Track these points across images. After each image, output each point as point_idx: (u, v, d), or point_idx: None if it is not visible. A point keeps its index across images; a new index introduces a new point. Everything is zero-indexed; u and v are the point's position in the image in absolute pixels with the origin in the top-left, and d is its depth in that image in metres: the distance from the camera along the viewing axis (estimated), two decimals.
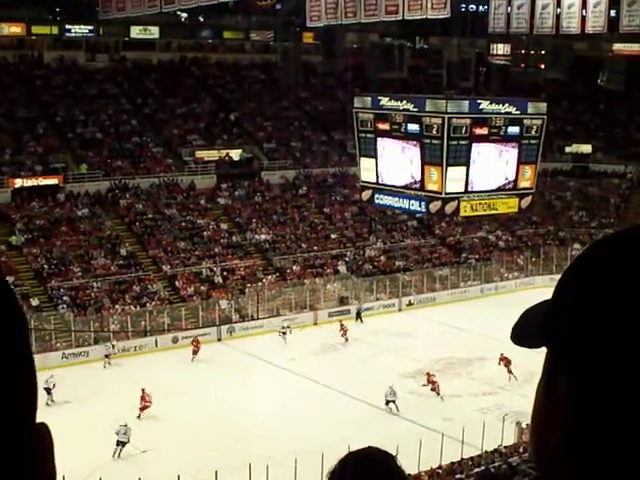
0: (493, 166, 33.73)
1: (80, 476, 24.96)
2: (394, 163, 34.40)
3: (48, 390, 33.41)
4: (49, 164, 52.41)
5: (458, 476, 26.13)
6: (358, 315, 48.47)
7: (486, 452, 29.07)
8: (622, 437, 0.98)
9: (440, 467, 27.52)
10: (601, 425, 0.99)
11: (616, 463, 0.98)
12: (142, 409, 33.70)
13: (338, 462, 2.73)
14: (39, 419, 1.04)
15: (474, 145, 32.70)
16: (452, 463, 28.12)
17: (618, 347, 0.97)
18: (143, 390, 33.92)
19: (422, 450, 25.54)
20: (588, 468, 1.00)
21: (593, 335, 0.99)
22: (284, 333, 43.35)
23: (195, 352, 40.79)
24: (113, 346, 41.07)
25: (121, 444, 29.97)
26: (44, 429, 1.04)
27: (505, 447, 29.40)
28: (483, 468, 26.38)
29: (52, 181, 50.85)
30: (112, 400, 34.09)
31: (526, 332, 1.10)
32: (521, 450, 28.97)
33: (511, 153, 34.09)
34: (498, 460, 27.71)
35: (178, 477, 24.33)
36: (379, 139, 34.65)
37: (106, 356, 40.09)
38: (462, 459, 28.55)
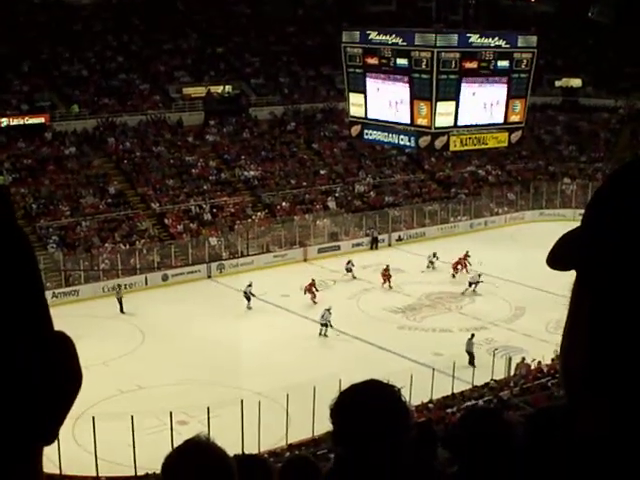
0: (482, 100, 33.56)
1: (73, 415, 25.04)
2: (383, 98, 34.18)
3: (247, 297, 38.90)
4: (35, 103, 51.98)
5: (449, 410, 26.32)
6: (373, 243, 49.91)
7: (476, 386, 29.31)
8: None
9: (431, 401, 27.75)
10: (623, 349, 1.01)
11: (636, 389, 1.01)
12: (309, 291, 39.77)
13: (341, 394, 2.68)
14: None
15: (464, 79, 32.51)
16: (443, 397, 28.37)
17: None
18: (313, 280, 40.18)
19: (413, 385, 25.69)
20: (610, 394, 1.03)
21: (617, 259, 1.01)
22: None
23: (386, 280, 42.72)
24: (350, 262, 44.28)
25: (324, 326, 35.58)
26: (62, 336, 1.06)
27: (495, 381, 29.64)
28: (474, 402, 26.56)
29: (39, 120, 50.46)
30: (104, 338, 34.19)
31: (557, 256, 1.12)
32: (511, 384, 29.23)
33: (501, 87, 33.90)
34: (488, 394, 27.94)
35: (170, 413, 24.49)
36: (368, 74, 34.39)
37: (348, 271, 43.77)
38: (453, 393, 28.80)
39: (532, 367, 31.05)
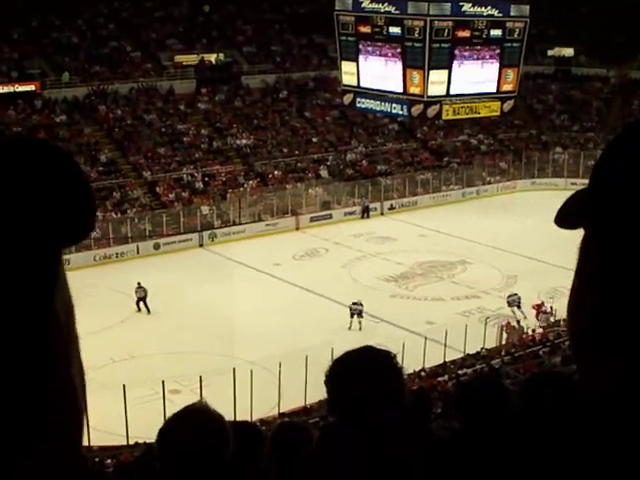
0: (475, 69, 33.49)
1: None
2: (376, 66, 34.10)
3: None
4: (25, 70, 51.63)
5: (440, 378, 26.44)
6: (364, 211, 49.86)
7: (468, 355, 29.38)
8: None
9: (423, 370, 27.83)
10: (630, 304, 1.01)
11: None
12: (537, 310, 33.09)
13: (336, 361, 2.66)
14: None
15: (456, 48, 32.45)
16: (435, 366, 28.45)
17: None
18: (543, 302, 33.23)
19: (405, 353, 25.78)
20: (624, 353, 1.02)
21: (625, 215, 1.01)
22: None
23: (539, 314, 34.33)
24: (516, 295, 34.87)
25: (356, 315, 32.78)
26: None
27: (487, 350, 29.73)
28: (465, 370, 26.67)
29: (29, 87, 50.13)
30: (95, 307, 34.14)
31: (566, 213, 1.12)
32: (503, 353, 29.33)
33: (493, 56, 33.84)
34: (480, 363, 28.04)
35: (162, 382, 24.51)
36: (361, 42, 34.29)
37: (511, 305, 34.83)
38: (445, 362, 28.88)
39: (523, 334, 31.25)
